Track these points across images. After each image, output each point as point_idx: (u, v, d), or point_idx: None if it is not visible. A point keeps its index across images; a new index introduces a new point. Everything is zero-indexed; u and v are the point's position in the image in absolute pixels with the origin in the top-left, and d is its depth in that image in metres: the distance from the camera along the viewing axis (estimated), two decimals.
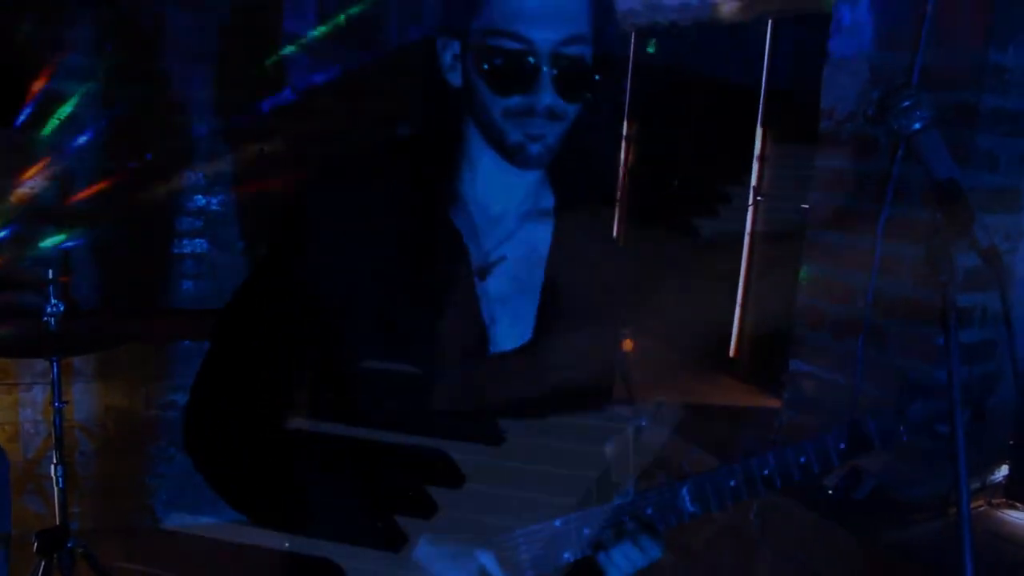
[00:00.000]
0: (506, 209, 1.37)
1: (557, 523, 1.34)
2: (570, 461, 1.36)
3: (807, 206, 3.23)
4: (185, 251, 4.00)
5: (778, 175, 3.80)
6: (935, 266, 1.37)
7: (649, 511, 1.36)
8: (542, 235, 1.41)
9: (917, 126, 1.43)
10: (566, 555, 1.35)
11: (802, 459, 1.37)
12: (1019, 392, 2.75)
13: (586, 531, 1.34)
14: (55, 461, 3.01)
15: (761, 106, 3.80)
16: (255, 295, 1.37)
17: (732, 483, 1.35)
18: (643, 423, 1.54)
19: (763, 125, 3.81)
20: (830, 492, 2.97)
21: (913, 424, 1.45)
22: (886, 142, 2.85)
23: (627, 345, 1.72)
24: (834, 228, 3.03)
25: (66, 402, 3.05)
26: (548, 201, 1.43)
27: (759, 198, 3.83)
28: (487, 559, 1.27)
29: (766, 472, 1.36)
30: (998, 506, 2.96)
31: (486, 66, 1.24)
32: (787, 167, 3.74)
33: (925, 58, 2.76)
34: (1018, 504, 2.95)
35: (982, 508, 2.92)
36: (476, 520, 1.33)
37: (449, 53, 1.30)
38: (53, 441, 3.01)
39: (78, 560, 3.01)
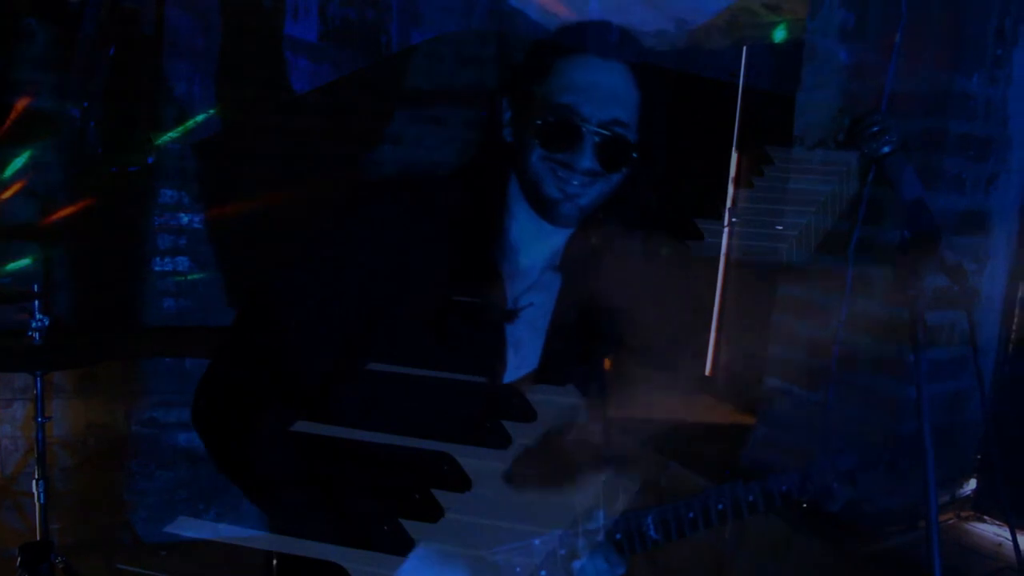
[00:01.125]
0: (534, 262, 1.51)
1: (536, 541, 1.43)
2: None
3: (781, 228, 3.31)
4: (167, 269, 4.01)
5: (752, 198, 3.89)
6: (903, 282, 1.45)
7: (618, 536, 1.49)
8: (554, 285, 1.54)
9: (886, 149, 1.52)
10: (543, 572, 1.43)
11: (750, 497, 1.53)
12: (985, 409, 2.84)
13: (561, 551, 1.44)
14: (36, 476, 3.00)
15: (736, 131, 3.90)
16: (300, 284, 1.41)
17: (691, 515, 1.48)
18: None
19: (737, 149, 3.90)
20: (804, 505, 3.03)
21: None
22: (857, 166, 2.95)
23: (605, 364, 1.79)
24: (807, 249, 3.11)
25: (49, 417, 3.04)
26: (559, 257, 1.55)
27: (734, 220, 3.92)
28: None
29: (720, 507, 1.50)
30: (966, 519, 3.04)
31: (539, 122, 1.39)
32: (761, 190, 3.83)
33: (894, 86, 2.86)
34: (985, 517, 3.03)
35: (951, 521, 2.99)
36: (478, 525, 1.40)
37: (509, 112, 1.45)
38: (35, 456, 3.00)
39: (60, 575, 3.00)
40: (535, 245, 1.50)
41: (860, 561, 2.85)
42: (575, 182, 1.40)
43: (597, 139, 1.38)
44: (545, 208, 1.43)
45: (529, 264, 1.50)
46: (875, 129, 1.51)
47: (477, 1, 4.42)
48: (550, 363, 1.52)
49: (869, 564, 2.83)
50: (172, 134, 3.87)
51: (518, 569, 1.42)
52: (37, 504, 3.00)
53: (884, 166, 1.55)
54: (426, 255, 1.41)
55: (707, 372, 4.00)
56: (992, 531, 2.96)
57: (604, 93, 1.40)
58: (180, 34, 3.91)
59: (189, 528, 3.62)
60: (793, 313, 3.18)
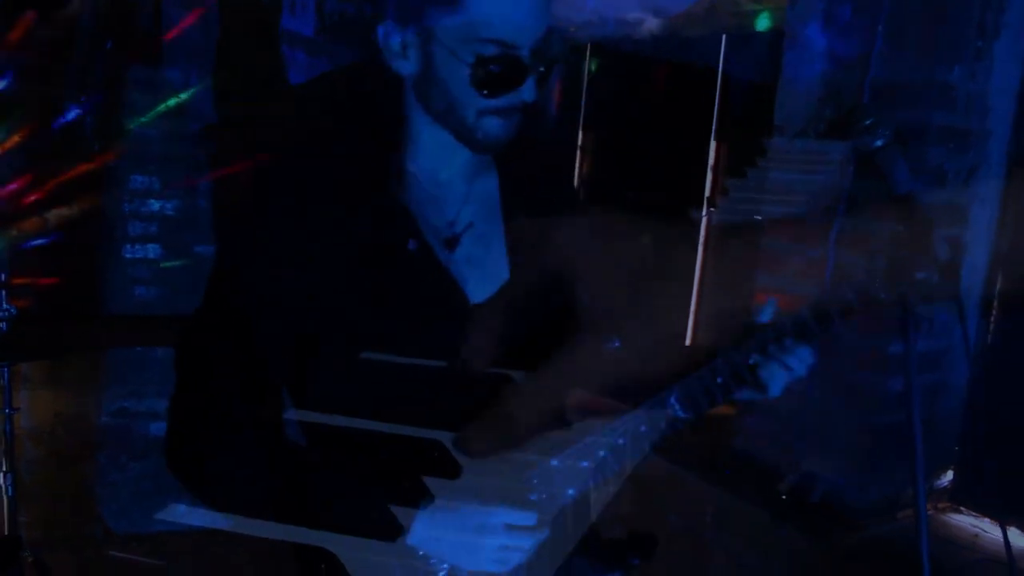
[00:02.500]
0: (451, 175, 1.37)
1: (554, 462, 1.34)
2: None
3: (760, 217, 3.30)
4: (137, 256, 3.93)
5: (731, 187, 3.88)
6: (895, 278, 1.42)
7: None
8: (490, 186, 1.42)
9: (879, 143, 1.47)
10: (570, 491, 1.35)
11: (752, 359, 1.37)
12: (969, 401, 2.86)
13: (621, 441, 1.35)
14: (4, 469, 2.93)
15: (715, 120, 3.88)
16: (219, 298, 1.34)
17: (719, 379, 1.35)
18: (616, 344, 1.55)
19: (716, 138, 3.89)
20: (783, 496, 3.05)
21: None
22: (837, 157, 2.94)
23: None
24: (787, 239, 3.10)
25: (17, 409, 2.96)
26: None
27: (712, 208, 3.91)
28: (505, 515, 1.27)
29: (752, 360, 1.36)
30: (943, 510, 3.06)
31: (468, 68, 1.24)
32: (740, 179, 3.82)
33: (876, 75, 2.86)
34: (962, 508, 3.05)
35: (928, 512, 3.01)
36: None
37: (397, 40, 1.28)
38: (2, 448, 2.93)
39: (28, 570, 2.94)
40: (448, 161, 1.37)
41: (839, 552, 2.87)
42: (515, 118, 1.29)
43: (540, 68, 1.26)
44: (475, 145, 1.31)
45: (447, 178, 1.37)
46: (868, 122, 1.47)
47: None
48: (522, 271, 1.38)
49: (848, 555, 2.86)
50: (143, 119, 3.79)
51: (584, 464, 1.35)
52: (5, 497, 2.93)
53: (876, 160, 1.52)
54: (328, 214, 1.30)
55: (687, 342, 3.99)
56: (969, 522, 2.98)
57: (527, 7, 1.23)
58: (177, 27, 3.84)
59: (161, 520, 3.57)
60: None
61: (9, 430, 2.92)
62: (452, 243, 1.35)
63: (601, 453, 1.36)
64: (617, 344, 1.56)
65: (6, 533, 2.91)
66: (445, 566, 1.31)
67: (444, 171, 1.37)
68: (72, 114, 3.86)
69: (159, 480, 3.80)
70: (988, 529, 2.93)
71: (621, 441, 1.35)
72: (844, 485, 3.00)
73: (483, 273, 1.37)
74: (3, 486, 2.93)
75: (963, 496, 3.05)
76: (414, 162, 1.36)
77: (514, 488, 1.33)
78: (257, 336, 1.31)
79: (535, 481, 1.35)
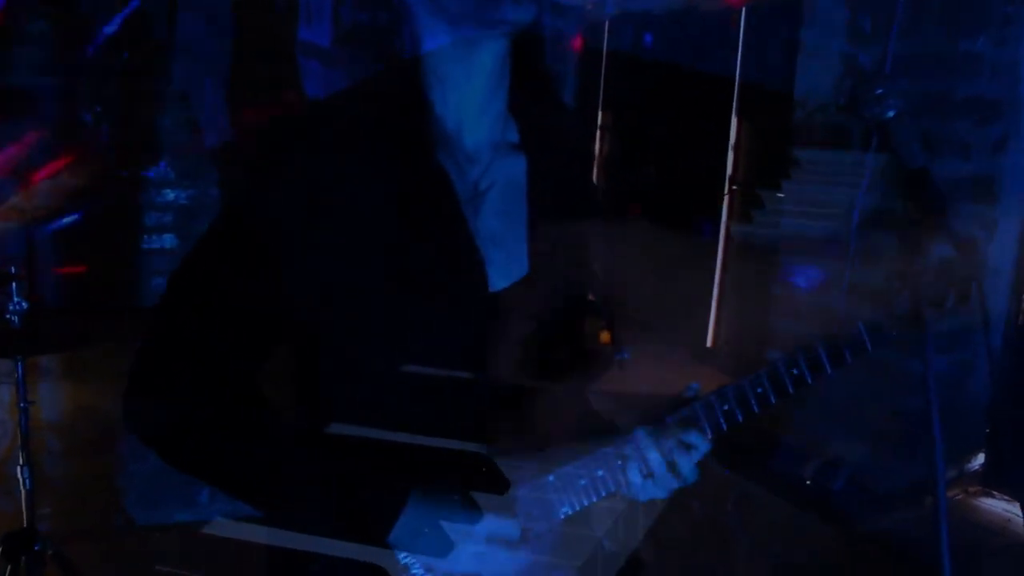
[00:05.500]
0: (478, 141, 1.33)
1: (551, 478, 1.31)
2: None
3: (782, 195, 3.22)
4: (154, 247, 3.93)
5: (753, 164, 3.79)
6: (908, 257, 1.36)
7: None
8: (517, 167, 1.38)
9: (890, 114, 1.38)
10: (564, 508, 1.32)
11: (793, 371, 1.35)
12: (994, 382, 2.76)
13: (599, 472, 1.31)
14: (21, 462, 2.94)
15: (736, 95, 3.79)
16: (220, 260, 1.26)
17: (759, 390, 1.34)
18: (626, 356, 1.53)
19: (738, 114, 3.79)
20: (807, 483, 2.98)
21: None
22: (860, 132, 2.84)
23: (604, 337, 1.70)
24: (809, 218, 3.02)
25: (32, 402, 2.97)
26: (513, 135, 1.40)
27: (734, 187, 3.82)
28: (488, 524, 1.26)
29: (795, 371, 1.33)
30: (974, 494, 2.97)
31: None
32: (762, 156, 3.73)
33: (897, 47, 2.75)
34: (994, 492, 2.96)
35: (959, 497, 2.93)
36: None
37: None
38: (19, 442, 2.94)
39: (48, 563, 2.94)
40: (479, 118, 1.32)
41: (863, 540, 2.80)
42: None
43: None
44: (497, 24, 1.25)
45: (474, 146, 1.33)
46: (878, 92, 1.37)
47: None
48: (542, 264, 1.35)
49: (873, 542, 2.78)
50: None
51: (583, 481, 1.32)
52: (23, 490, 2.94)
53: (887, 131, 1.44)
54: (359, 174, 1.25)
55: (709, 343, 3.92)
56: (1001, 507, 2.89)
57: None
58: (193, 38, 3.82)
59: (182, 510, 3.58)
60: (795, 283, 3.09)
61: (25, 423, 2.93)
62: (475, 204, 1.31)
63: (599, 472, 1.32)
64: (627, 356, 1.54)
65: (24, 526, 2.92)
66: (418, 563, 1.27)
67: (472, 132, 1.32)
68: (88, 124, 3.86)
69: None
70: (1020, 514, 2.83)
71: (619, 462, 1.31)
72: (869, 470, 2.91)
73: (505, 257, 1.32)
74: (20, 479, 2.94)
75: (994, 480, 2.96)
76: (444, 107, 1.30)
77: (502, 499, 1.30)
78: (258, 302, 1.25)
79: (525, 494, 1.31)
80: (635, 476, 1.30)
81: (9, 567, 2.82)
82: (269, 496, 1.30)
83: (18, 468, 2.94)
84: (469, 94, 1.30)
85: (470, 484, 1.29)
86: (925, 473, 2.95)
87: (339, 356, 1.29)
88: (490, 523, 1.27)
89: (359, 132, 1.27)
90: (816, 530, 2.87)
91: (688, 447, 1.30)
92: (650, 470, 1.29)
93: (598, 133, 4.64)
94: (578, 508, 1.33)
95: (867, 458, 2.93)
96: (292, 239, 1.22)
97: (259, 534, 1.35)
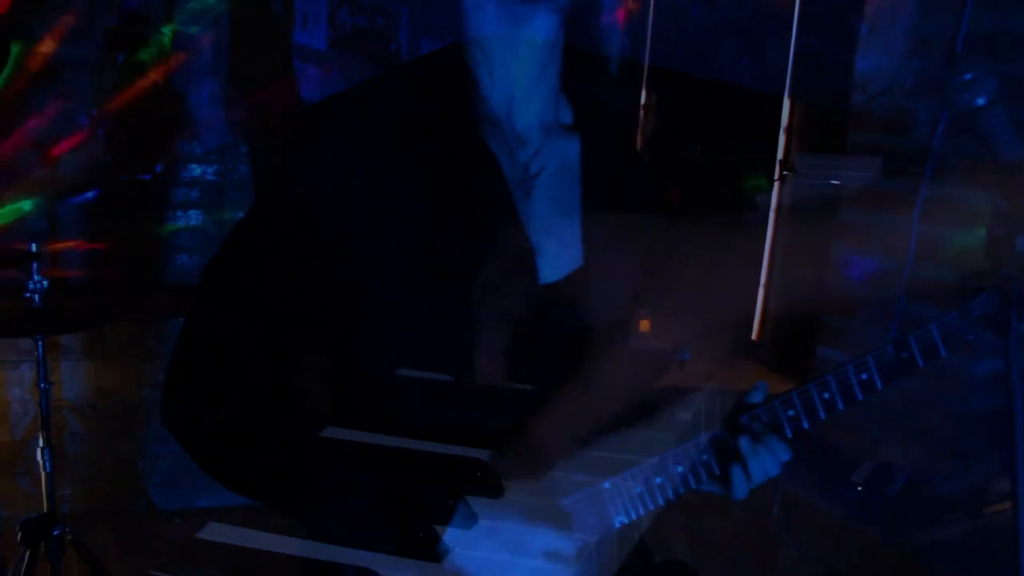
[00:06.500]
0: (528, 122, 1.26)
1: (606, 485, 1.27)
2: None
3: (837, 182, 3.07)
4: (179, 223, 3.84)
5: (806, 149, 3.62)
6: (996, 257, 1.25)
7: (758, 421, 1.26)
8: (570, 150, 1.32)
9: (981, 101, 1.25)
10: (619, 518, 1.29)
11: (862, 376, 1.25)
12: None
13: (658, 480, 1.27)
14: (41, 444, 2.86)
15: (789, 76, 3.61)
16: (261, 242, 1.22)
17: (826, 395, 1.25)
18: (686, 356, 1.51)
19: (791, 95, 3.62)
20: (859, 488, 2.84)
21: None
22: (926, 116, 2.67)
23: (644, 325, 1.63)
24: (867, 208, 2.86)
25: (52, 383, 2.90)
26: (567, 116, 1.34)
27: (785, 173, 3.64)
28: (545, 538, 1.21)
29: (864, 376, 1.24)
30: None
31: None
32: (816, 141, 3.55)
33: (971, 24, 2.57)
34: None
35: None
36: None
37: None
38: (38, 423, 2.86)
39: (67, 547, 2.87)
40: (529, 97, 1.25)
41: (916, 549, 2.66)
42: None
43: None
44: None
45: (524, 127, 1.26)
46: (968, 77, 1.24)
47: None
48: (597, 256, 1.30)
49: (926, 553, 2.65)
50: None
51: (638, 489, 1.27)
52: (43, 473, 2.87)
53: (977, 121, 1.31)
54: (403, 151, 1.19)
55: (754, 336, 3.76)
56: None
57: None
58: (190, 41, 3.78)
59: (205, 494, 3.51)
60: (850, 277, 2.94)
61: (45, 404, 2.86)
62: (526, 188, 1.26)
63: (657, 480, 1.27)
64: (687, 356, 1.48)
65: (44, 509, 2.85)
66: None
67: (522, 113, 1.25)
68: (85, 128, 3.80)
69: None
70: None
71: (680, 469, 1.27)
72: (926, 476, 2.77)
73: (557, 247, 1.27)
74: (40, 461, 2.87)
75: None
76: (489, 88, 1.24)
77: (558, 509, 1.25)
78: (297, 290, 1.20)
79: (581, 501, 1.27)
80: (703, 477, 1.27)
81: (27, 552, 2.75)
82: (304, 509, 1.24)
83: (38, 451, 2.86)
84: (518, 72, 1.23)
85: (469, 490, 1.22)
86: (986, 481, 2.79)
87: (377, 350, 1.24)
88: (547, 538, 1.21)
89: (400, 114, 1.22)
90: (865, 538, 2.74)
91: (764, 450, 1.25)
92: (718, 472, 1.26)
93: (641, 112, 4.49)
94: (634, 517, 1.28)
95: (923, 464, 2.79)
96: (330, 225, 1.17)
97: (292, 546, 1.27)
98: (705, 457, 1.26)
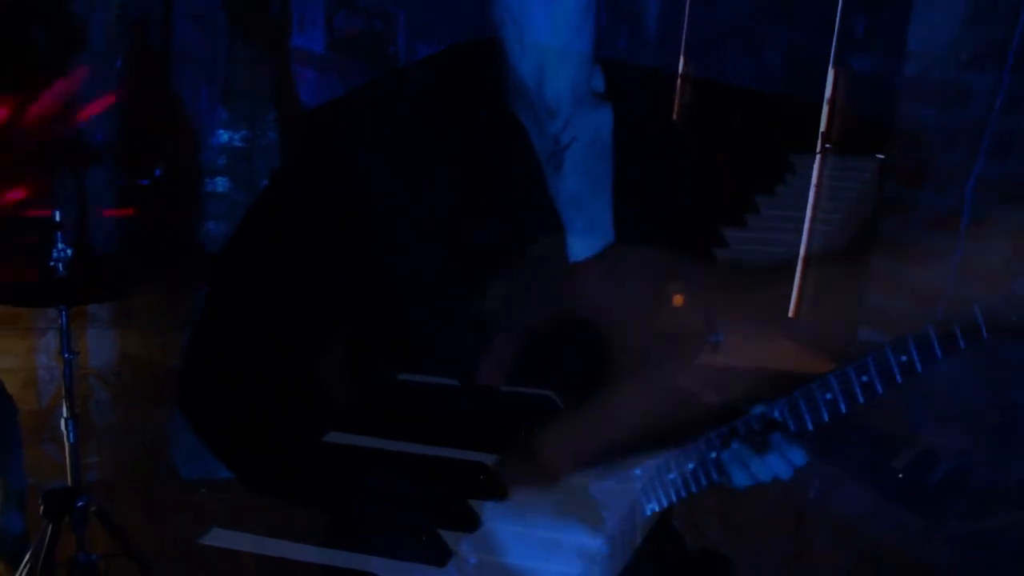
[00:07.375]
0: (559, 91, 1.21)
1: (637, 471, 1.26)
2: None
3: (883, 157, 2.97)
4: (207, 190, 3.81)
5: (851, 121, 3.50)
6: None
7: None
8: (603, 120, 1.28)
9: None
10: (651, 505, 1.28)
11: (902, 359, 1.20)
12: None
13: (690, 465, 1.25)
14: (65, 415, 2.85)
15: (834, 43, 3.48)
16: (280, 229, 1.20)
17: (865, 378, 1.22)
18: (719, 338, 1.47)
19: (835, 65, 3.49)
20: (899, 475, 2.78)
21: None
22: (983, 90, 2.56)
23: (677, 300, 1.58)
24: (916, 185, 2.75)
25: (77, 353, 2.88)
26: (599, 83, 1.29)
27: (827, 145, 3.53)
28: (577, 537, 1.20)
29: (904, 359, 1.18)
30: None
31: None
32: (862, 113, 3.43)
33: None
34: None
35: None
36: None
37: None
38: (63, 393, 2.84)
39: (91, 519, 2.86)
40: (560, 65, 1.19)
41: (958, 542, 2.60)
42: None
43: None
44: None
45: (554, 96, 1.21)
46: None
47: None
48: (629, 232, 1.25)
49: (968, 544, 2.59)
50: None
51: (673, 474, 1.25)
52: (67, 444, 2.86)
53: None
54: (431, 127, 1.17)
55: (791, 314, 3.67)
56: None
57: None
58: (187, 45, 3.73)
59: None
60: (896, 255, 2.85)
61: (69, 374, 2.83)
62: (556, 161, 1.22)
63: (690, 465, 1.24)
64: (720, 337, 1.45)
65: (68, 482, 2.84)
66: None
67: (552, 83, 1.20)
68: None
69: None
70: None
71: (714, 455, 1.24)
72: (970, 465, 2.70)
73: (588, 223, 1.23)
74: (64, 432, 2.86)
75: None
76: (518, 55, 1.19)
77: (593, 513, 1.23)
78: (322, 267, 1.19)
79: (610, 488, 1.24)
80: (746, 458, 1.24)
81: (51, 525, 2.73)
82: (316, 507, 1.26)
83: (62, 421, 2.85)
84: (551, 36, 1.17)
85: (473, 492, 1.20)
86: None
87: (402, 327, 1.21)
88: (579, 537, 1.21)
89: (424, 83, 1.19)
90: (904, 525, 2.69)
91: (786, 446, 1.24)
92: (761, 454, 1.24)
93: (678, 81, 4.38)
94: (665, 504, 1.28)
95: (967, 453, 2.71)
96: (356, 202, 1.15)
97: (301, 552, 1.29)
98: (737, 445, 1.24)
